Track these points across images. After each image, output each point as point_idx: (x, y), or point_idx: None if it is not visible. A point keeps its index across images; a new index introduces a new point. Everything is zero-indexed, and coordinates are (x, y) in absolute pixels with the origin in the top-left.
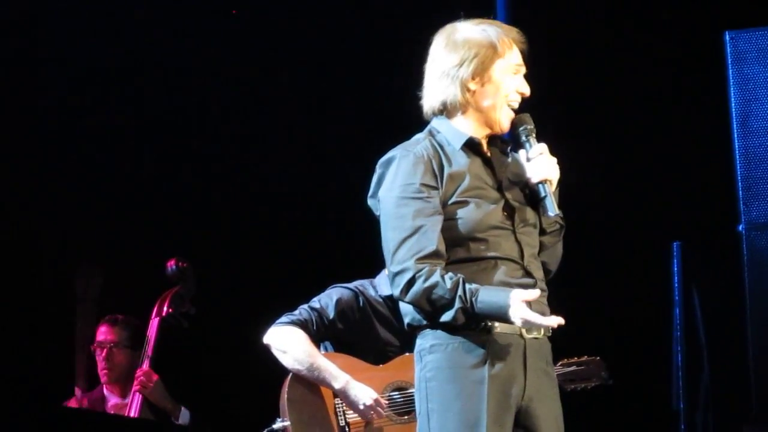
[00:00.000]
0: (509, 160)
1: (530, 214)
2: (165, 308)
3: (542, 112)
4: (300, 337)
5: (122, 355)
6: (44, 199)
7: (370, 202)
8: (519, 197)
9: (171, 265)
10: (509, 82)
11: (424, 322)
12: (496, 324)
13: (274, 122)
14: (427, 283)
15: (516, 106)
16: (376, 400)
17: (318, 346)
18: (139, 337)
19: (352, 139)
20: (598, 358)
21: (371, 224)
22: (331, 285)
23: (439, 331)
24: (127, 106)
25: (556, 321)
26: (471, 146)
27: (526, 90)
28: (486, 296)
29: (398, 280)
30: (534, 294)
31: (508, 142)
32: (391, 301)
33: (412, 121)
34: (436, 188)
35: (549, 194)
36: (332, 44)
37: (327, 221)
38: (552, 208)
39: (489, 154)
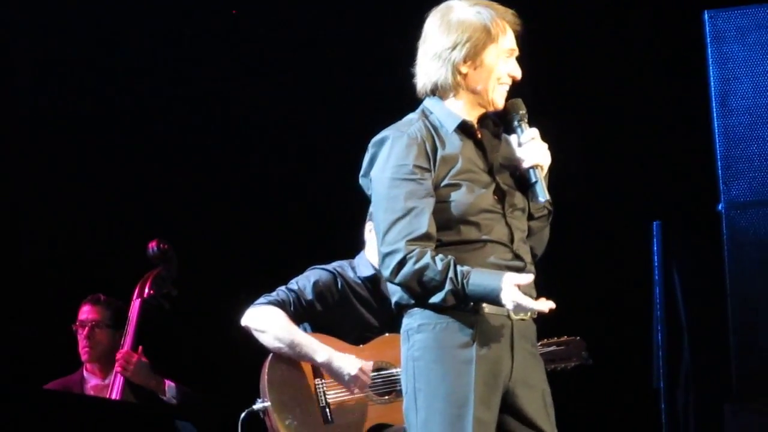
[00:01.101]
0: (500, 142)
1: (519, 198)
2: (146, 290)
3: (520, 91)
4: (278, 315)
5: (104, 334)
6: (27, 182)
7: (361, 181)
8: (509, 181)
9: (152, 246)
10: (501, 66)
11: (413, 302)
12: (485, 305)
13: (256, 104)
14: (418, 265)
15: (507, 86)
16: (360, 369)
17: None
18: (121, 317)
19: (333, 119)
20: (578, 338)
21: (351, 206)
22: (310, 266)
23: (427, 311)
24: (113, 92)
25: (547, 305)
26: (464, 129)
27: (518, 74)
28: (478, 279)
29: (388, 261)
30: (527, 278)
31: (498, 123)
32: (370, 283)
33: (397, 104)
34: (428, 170)
35: (540, 180)
36: (314, 28)
37: (307, 202)
38: (542, 194)
39: (480, 137)
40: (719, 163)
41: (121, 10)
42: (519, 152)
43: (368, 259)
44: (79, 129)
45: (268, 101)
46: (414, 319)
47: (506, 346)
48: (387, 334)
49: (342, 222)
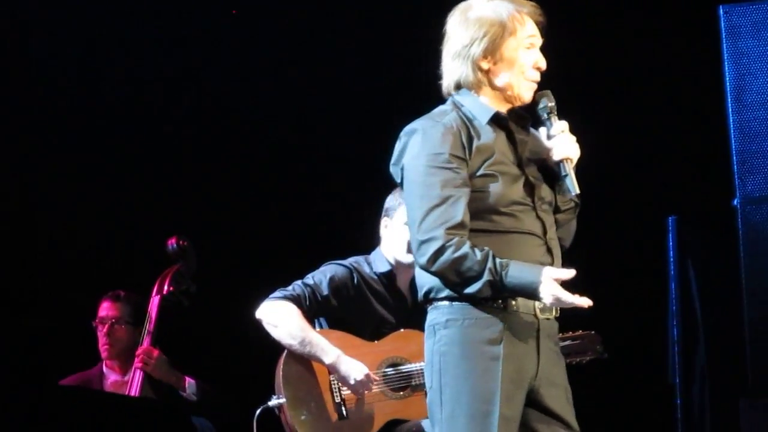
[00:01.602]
0: (528, 135)
1: (547, 191)
2: (166, 286)
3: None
4: (292, 311)
5: (124, 330)
6: (44, 176)
7: (392, 169)
8: (537, 174)
9: (172, 243)
10: (523, 58)
11: (442, 294)
12: (513, 302)
13: (271, 100)
14: (457, 254)
15: (536, 79)
16: (367, 375)
17: (312, 322)
18: (141, 313)
19: (348, 117)
20: (594, 332)
21: (367, 201)
22: (327, 261)
23: (455, 305)
24: (126, 86)
25: (586, 302)
26: (497, 121)
27: (542, 64)
28: (516, 272)
29: (425, 249)
30: (568, 273)
31: (527, 117)
32: (386, 278)
33: (413, 101)
34: (464, 160)
35: (570, 173)
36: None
37: (323, 198)
38: (573, 188)
39: (511, 129)
40: (734, 158)
41: (124, 10)
42: (548, 144)
43: (384, 255)
44: (98, 125)
45: (281, 99)
46: (441, 314)
47: (533, 345)
48: (402, 330)
49: (358, 218)
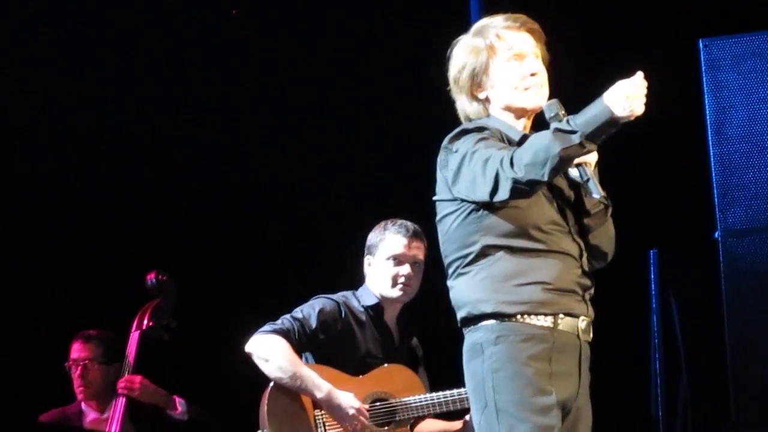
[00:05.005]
0: None
1: (573, 216)
2: (146, 321)
3: None
4: (283, 345)
5: (97, 371)
6: (18, 213)
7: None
8: (563, 199)
9: (151, 278)
10: (511, 72)
11: (489, 311)
12: (560, 322)
13: (255, 131)
14: (519, 150)
15: (531, 85)
16: (358, 409)
17: (299, 357)
18: (114, 351)
19: (336, 147)
20: None
21: (355, 236)
22: (316, 295)
23: (505, 323)
24: (109, 111)
25: (639, 75)
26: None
27: (535, 68)
28: (583, 114)
29: (507, 171)
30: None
31: None
32: (374, 311)
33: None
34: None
35: (591, 177)
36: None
37: (310, 232)
38: (596, 190)
39: None
40: (716, 191)
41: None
42: None
43: (371, 290)
44: (75, 158)
45: (269, 126)
46: (489, 332)
47: (575, 365)
48: (386, 365)
49: (346, 252)
